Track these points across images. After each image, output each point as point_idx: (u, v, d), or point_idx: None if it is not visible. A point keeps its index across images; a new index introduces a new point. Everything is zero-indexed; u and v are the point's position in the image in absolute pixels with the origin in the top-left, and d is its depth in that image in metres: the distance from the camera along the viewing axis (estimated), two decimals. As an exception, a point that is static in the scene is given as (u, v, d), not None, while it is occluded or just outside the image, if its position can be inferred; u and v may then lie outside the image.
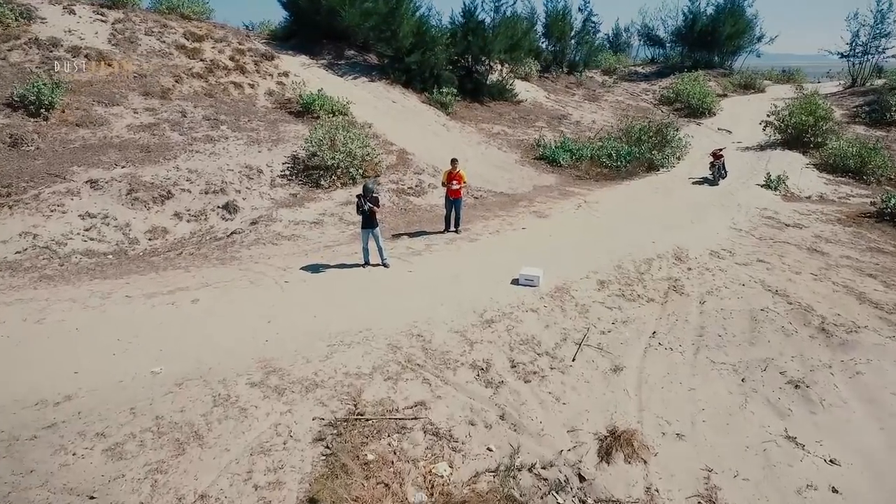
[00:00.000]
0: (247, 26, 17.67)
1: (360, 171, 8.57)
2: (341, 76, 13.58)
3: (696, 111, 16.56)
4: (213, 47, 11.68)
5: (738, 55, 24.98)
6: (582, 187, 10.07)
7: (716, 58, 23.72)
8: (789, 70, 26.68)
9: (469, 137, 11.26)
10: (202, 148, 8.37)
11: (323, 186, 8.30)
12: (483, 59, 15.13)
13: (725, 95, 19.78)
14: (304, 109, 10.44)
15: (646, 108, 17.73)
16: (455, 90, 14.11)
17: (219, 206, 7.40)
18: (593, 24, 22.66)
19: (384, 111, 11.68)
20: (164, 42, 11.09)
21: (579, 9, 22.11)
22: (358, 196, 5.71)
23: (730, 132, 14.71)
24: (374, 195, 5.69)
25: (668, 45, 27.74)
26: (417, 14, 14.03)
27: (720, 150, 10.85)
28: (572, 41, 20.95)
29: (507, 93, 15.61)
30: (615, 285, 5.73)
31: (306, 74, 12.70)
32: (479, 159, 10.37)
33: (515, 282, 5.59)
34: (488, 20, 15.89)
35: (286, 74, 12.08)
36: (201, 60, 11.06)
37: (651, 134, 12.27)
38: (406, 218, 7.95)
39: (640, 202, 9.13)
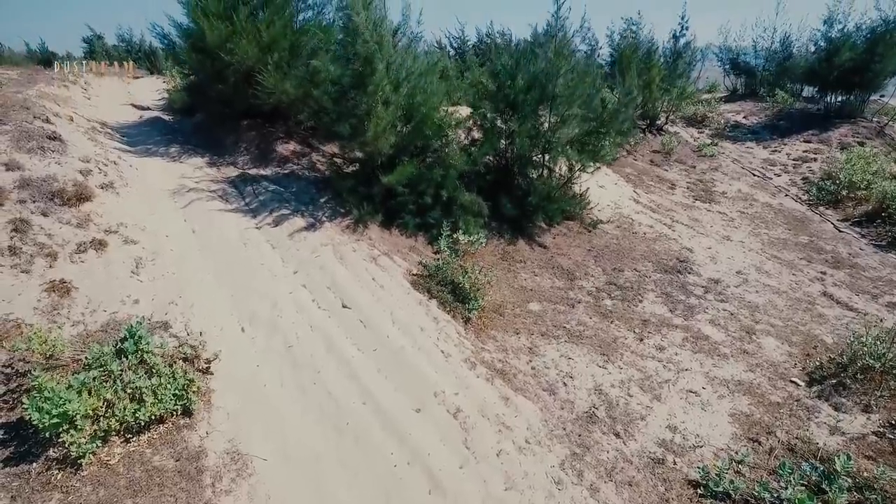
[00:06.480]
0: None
1: None
2: (252, 211, 6.68)
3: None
4: None
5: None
6: None
7: (853, 100, 16.11)
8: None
9: None
10: None
11: None
12: (535, 154, 8.07)
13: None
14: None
15: (797, 215, 10.50)
16: (483, 227, 7.16)
17: None
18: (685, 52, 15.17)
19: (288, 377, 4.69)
20: None
21: (674, 35, 14.78)
22: None
23: None
24: None
25: (759, 73, 20.53)
26: (412, 79, 6.85)
27: None
28: (659, 89, 13.69)
29: (576, 206, 8.56)
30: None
31: (165, 224, 5.83)
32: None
33: None
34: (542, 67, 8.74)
35: (99, 245, 5.22)
36: None
37: None
38: None
39: None
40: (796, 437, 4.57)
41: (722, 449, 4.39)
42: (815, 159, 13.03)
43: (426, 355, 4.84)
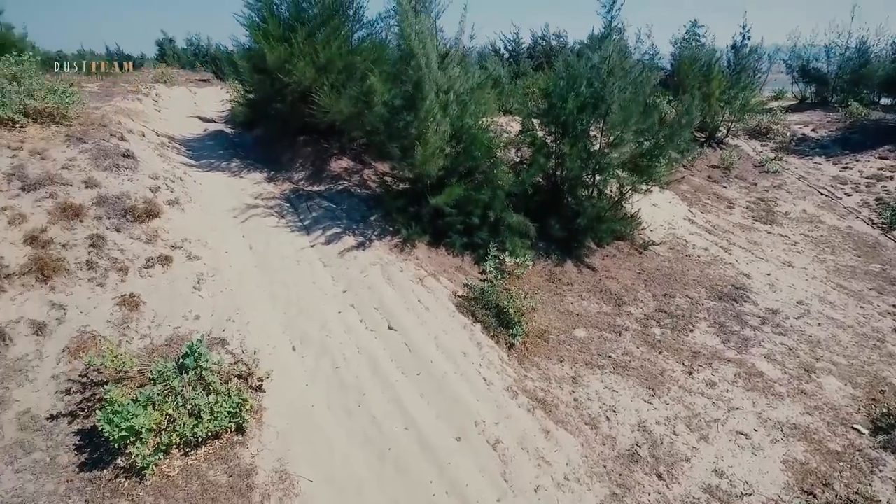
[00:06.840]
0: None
1: None
2: (306, 228, 6.95)
3: None
4: None
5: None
6: None
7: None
8: None
9: None
10: None
11: None
12: (586, 175, 7.97)
13: None
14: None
15: (868, 240, 9.85)
16: (530, 248, 7.14)
17: None
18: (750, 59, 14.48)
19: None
20: None
21: (734, 46, 14.23)
22: None
23: None
24: None
25: (831, 81, 19.42)
26: (463, 97, 6.91)
27: None
28: (719, 101, 13.20)
29: (627, 226, 8.37)
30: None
31: (225, 240, 6.17)
32: None
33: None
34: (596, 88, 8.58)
35: (165, 260, 5.58)
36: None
37: None
38: None
39: None
40: (856, 493, 4.32)
41: (772, 500, 4.21)
42: (892, 178, 12.18)
43: (468, 382, 4.89)
